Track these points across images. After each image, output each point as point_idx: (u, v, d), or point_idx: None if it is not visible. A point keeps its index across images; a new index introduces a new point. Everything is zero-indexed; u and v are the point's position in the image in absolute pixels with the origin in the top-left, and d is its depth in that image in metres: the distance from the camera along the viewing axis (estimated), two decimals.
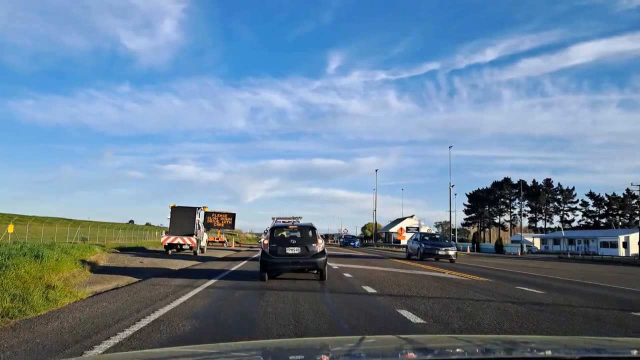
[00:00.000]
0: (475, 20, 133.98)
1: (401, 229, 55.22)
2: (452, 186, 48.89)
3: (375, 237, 76.55)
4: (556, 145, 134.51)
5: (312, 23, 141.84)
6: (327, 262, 12.89)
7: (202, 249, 29.60)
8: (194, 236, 26.51)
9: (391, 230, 74.38)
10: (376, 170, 70.71)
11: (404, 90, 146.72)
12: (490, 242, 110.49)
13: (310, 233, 12.60)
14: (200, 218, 28.88)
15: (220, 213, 51.33)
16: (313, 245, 12.14)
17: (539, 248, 77.04)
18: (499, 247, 72.64)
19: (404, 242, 57.59)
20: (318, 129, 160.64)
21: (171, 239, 26.36)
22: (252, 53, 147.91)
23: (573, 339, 3.10)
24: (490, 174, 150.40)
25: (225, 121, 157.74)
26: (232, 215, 51.67)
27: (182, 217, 26.87)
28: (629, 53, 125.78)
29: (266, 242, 12.28)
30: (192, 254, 26.78)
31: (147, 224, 75.98)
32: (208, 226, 51.69)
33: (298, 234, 12.80)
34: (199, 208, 28.13)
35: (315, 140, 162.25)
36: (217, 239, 50.21)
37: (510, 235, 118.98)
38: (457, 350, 2.06)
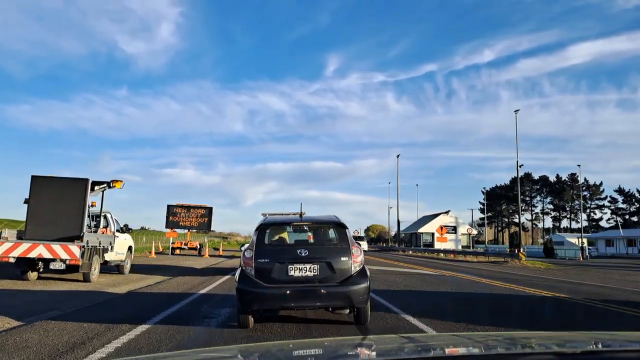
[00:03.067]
0: (473, 21, 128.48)
1: (441, 227, 39.92)
2: (521, 166, 34.55)
3: (398, 240, 60.82)
4: (555, 146, 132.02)
5: (309, 26, 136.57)
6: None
7: (119, 267, 14.60)
8: (77, 242, 11.50)
9: (420, 230, 58.37)
10: (398, 156, 55.98)
11: (402, 92, 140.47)
12: (509, 243, 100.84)
13: (335, 236, 6.78)
14: (97, 201, 13.72)
15: (189, 207, 36.10)
16: (343, 259, 6.31)
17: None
18: (549, 250, 58.39)
19: (444, 245, 42.53)
20: (316, 132, 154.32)
21: (23, 249, 11.34)
22: (249, 56, 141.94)
23: (574, 335, 2.83)
24: (489, 175, 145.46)
25: (223, 125, 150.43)
26: (208, 211, 36.38)
27: (54, 201, 12.02)
28: (626, 53, 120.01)
29: (249, 254, 6.27)
30: (82, 277, 12.06)
31: (142, 228, 70.20)
32: (172, 225, 36.43)
33: (311, 238, 7.39)
34: (99, 184, 13.16)
35: (313, 143, 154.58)
36: (186, 244, 34.83)
37: (532, 236, 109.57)
38: (459, 347, 2.04)
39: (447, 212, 55.44)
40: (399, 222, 52.51)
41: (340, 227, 6.78)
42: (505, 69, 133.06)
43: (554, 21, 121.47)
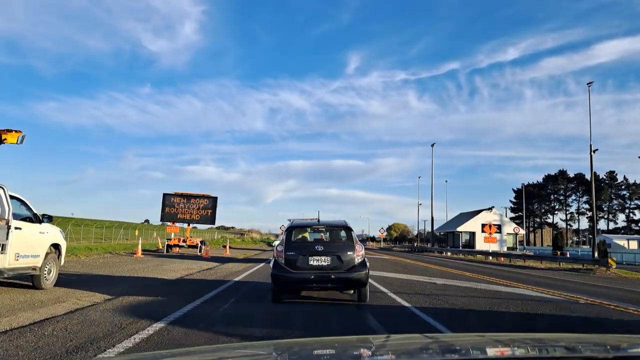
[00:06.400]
0: (497, 19, 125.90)
1: (490, 226, 32.91)
2: (594, 151, 28.13)
3: (432, 240, 53.77)
4: (580, 146, 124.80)
5: (330, 24, 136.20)
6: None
7: (34, 278, 8.62)
8: None
9: (459, 229, 51.31)
10: (432, 145, 49.46)
11: (424, 91, 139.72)
12: (541, 244, 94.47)
13: (344, 236, 9.36)
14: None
15: (190, 196, 30.17)
16: (349, 253, 8.76)
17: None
18: (602, 253, 50.75)
19: (492, 246, 35.62)
20: (337, 130, 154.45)
21: None
22: (270, 54, 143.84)
23: (605, 337, 2.68)
24: (512, 174, 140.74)
25: (244, 122, 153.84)
26: (211, 202, 30.40)
27: None
28: None
29: (281, 248, 8.88)
30: None
31: (162, 223, 67.21)
32: (170, 218, 30.53)
33: (326, 237, 10.10)
34: None
35: (334, 141, 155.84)
36: (185, 240, 28.84)
37: (566, 237, 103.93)
38: (485, 349, 1.95)
39: (490, 209, 48.52)
40: (432, 220, 46.04)
41: (347, 229, 9.31)
42: (529, 67, 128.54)
43: (580, 19, 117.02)
